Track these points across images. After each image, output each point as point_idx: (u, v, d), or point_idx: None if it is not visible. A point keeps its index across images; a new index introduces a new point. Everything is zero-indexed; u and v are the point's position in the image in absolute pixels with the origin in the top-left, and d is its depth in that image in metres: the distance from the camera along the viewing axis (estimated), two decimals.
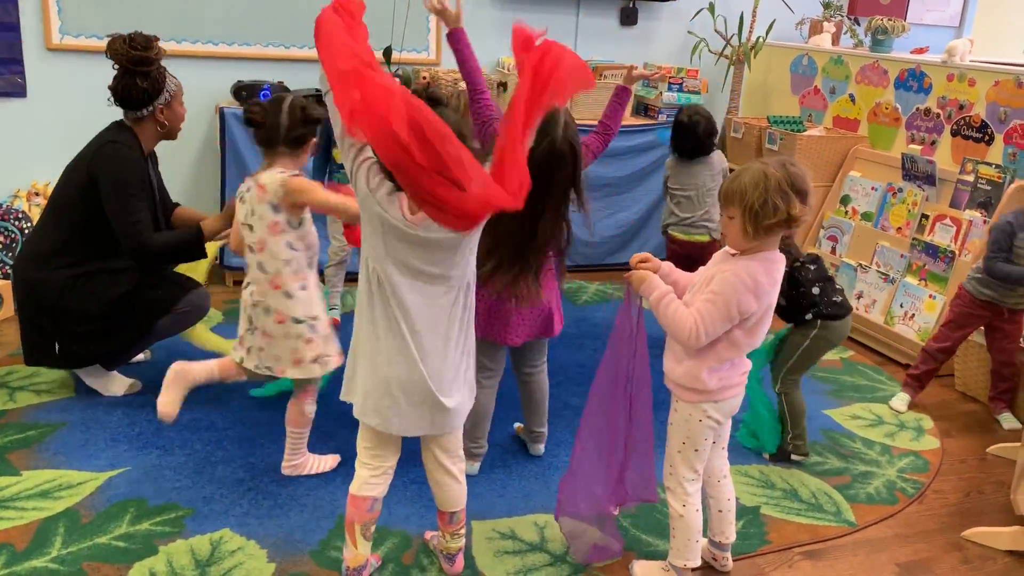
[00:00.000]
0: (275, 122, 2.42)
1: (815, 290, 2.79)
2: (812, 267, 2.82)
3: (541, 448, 2.85)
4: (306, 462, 2.68)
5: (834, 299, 2.80)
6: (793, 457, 2.91)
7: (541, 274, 2.43)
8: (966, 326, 3.31)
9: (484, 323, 2.48)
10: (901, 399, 3.42)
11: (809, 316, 2.81)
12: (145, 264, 2.91)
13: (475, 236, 1.94)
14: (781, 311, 2.81)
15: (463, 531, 2.21)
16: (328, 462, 2.71)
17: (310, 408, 2.61)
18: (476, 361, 2.60)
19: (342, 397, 2.05)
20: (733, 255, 2.05)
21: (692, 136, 3.58)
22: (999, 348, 3.30)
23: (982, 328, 3.35)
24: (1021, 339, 3.32)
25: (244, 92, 4.08)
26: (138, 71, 2.84)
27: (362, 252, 1.95)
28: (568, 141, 2.32)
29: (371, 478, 2.07)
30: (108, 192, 2.83)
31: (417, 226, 1.84)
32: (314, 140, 2.51)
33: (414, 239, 1.86)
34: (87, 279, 2.88)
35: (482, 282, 2.32)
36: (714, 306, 1.99)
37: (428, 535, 2.35)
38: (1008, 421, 3.35)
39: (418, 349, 1.92)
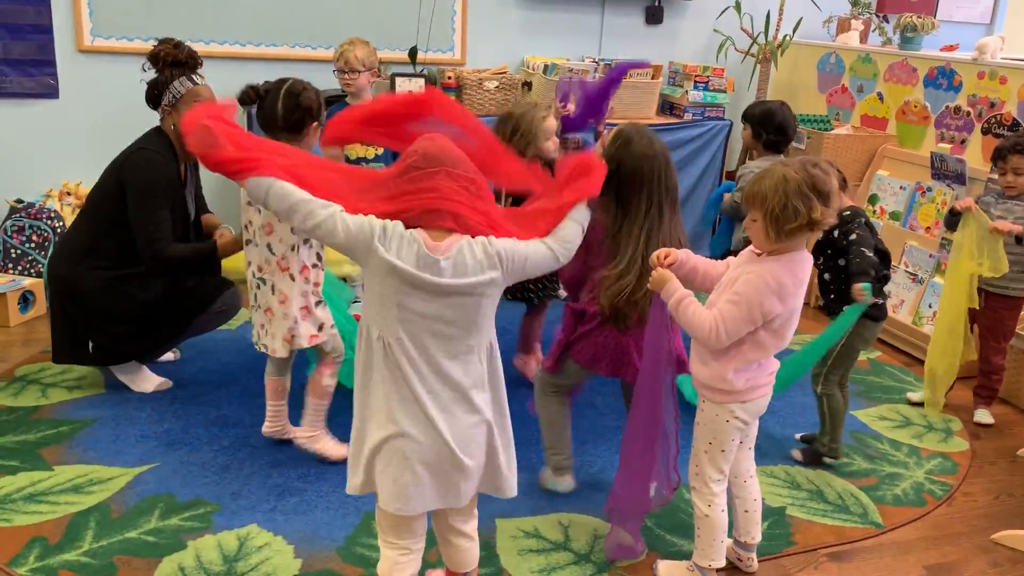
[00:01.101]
0: (272, 107, 2.48)
1: None
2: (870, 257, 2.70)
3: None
4: (318, 439, 2.70)
5: (876, 300, 2.72)
6: (825, 459, 2.89)
7: None
8: None
9: (604, 360, 2.43)
10: (920, 395, 3.42)
11: (846, 309, 2.75)
12: (156, 272, 2.93)
13: (496, 292, 1.81)
14: (824, 286, 2.79)
15: None
16: (340, 451, 2.65)
17: (329, 381, 2.67)
18: (543, 381, 2.58)
19: (349, 491, 1.88)
20: (759, 255, 2.04)
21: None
22: (981, 341, 3.24)
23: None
24: (1005, 343, 3.26)
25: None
26: (155, 70, 2.96)
27: (362, 320, 1.81)
28: (663, 148, 2.37)
29: (400, 558, 1.89)
30: (133, 199, 2.88)
31: (438, 260, 1.72)
32: (315, 124, 2.54)
33: (428, 287, 1.73)
34: (122, 281, 2.92)
35: (616, 309, 2.32)
36: (736, 307, 1.98)
37: None
38: (978, 415, 3.31)
39: (442, 416, 1.77)
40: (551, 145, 3.02)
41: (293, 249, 2.50)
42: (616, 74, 3.28)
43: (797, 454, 2.94)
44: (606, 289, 2.33)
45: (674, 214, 2.39)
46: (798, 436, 3.08)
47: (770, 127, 3.27)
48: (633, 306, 2.32)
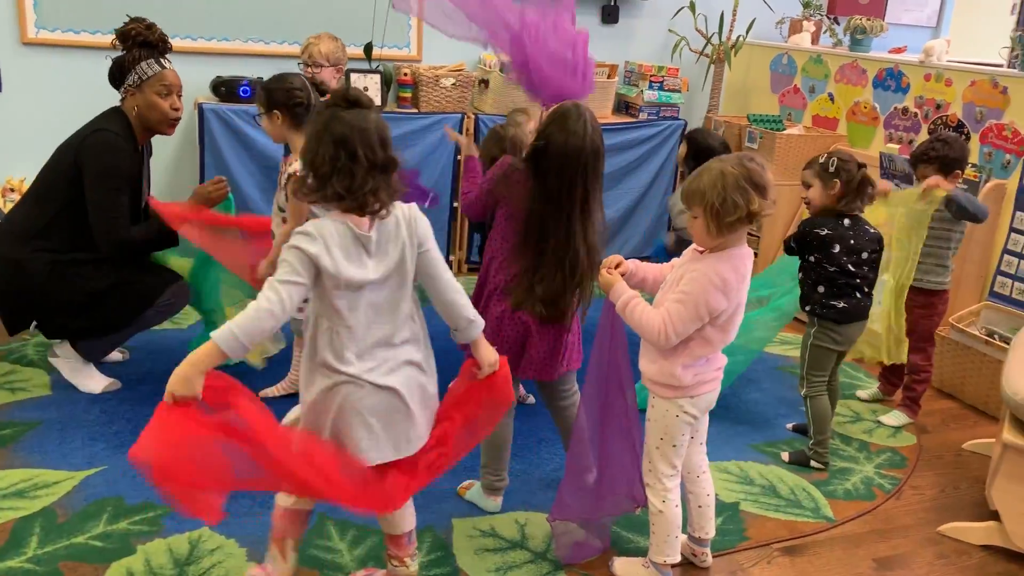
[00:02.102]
0: (311, 101, 2.73)
1: (820, 288, 2.80)
2: (812, 259, 2.80)
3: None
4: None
5: (834, 303, 2.78)
6: (812, 464, 2.90)
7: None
8: None
9: (499, 343, 2.30)
10: (869, 392, 3.50)
11: (807, 309, 2.86)
12: (117, 256, 2.89)
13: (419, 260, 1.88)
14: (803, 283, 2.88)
15: (417, 552, 2.15)
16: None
17: None
18: None
19: None
20: (701, 252, 2.07)
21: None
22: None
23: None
24: (924, 343, 3.22)
25: (223, 88, 4.05)
26: (122, 48, 2.89)
27: (309, 314, 1.85)
28: (599, 134, 2.25)
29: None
30: (90, 182, 2.81)
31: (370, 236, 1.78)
32: None
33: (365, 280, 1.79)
34: (68, 266, 2.85)
35: (520, 301, 2.26)
36: (683, 306, 2.00)
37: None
38: (885, 415, 3.31)
39: (386, 379, 1.83)
40: None
41: None
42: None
43: (785, 456, 2.95)
44: (537, 285, 2.26)
45: (599, 204, 2.29)
46: (789, 426, 3.14)
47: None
48: (560, 308, 2.27)
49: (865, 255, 2.79)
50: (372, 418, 1.83)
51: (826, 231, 2.77)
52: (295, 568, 2.07)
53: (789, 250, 2.90)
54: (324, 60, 3.49)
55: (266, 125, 2.81)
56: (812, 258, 2.81)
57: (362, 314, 1.80)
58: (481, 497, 2.56)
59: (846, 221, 2.78)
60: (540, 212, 2.24)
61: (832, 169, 2.76)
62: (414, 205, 1.88)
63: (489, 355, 1.97)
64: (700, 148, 3.27)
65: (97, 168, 2.81)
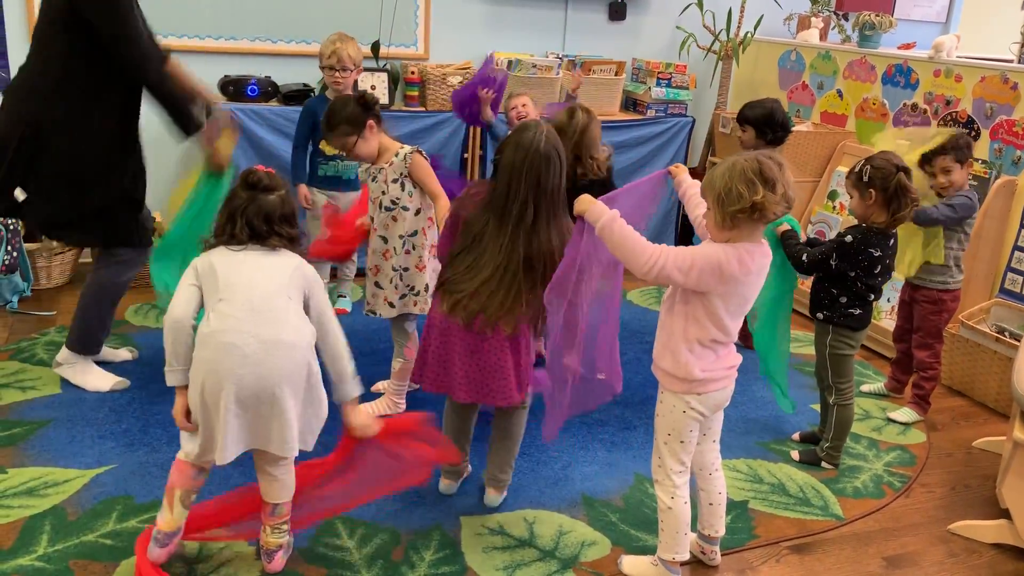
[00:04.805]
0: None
1: (843, 299, 2.74)
2: (852, 275, 2.70)
3: (497, 497, 2.54)
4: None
5: (852, 311, 2.74)
6: (823, 464, 2.90)
7: (526, 298, 2.26)
8: (901, 306, 3.35)
9: (432, 373, 2.35)
10: (873, 386, 3.51)
11: (820, 316, 2.79)
12: (157, 88, 2.75)
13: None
14: (816, 286, 2.81)
15: (286, 526, 2.20)
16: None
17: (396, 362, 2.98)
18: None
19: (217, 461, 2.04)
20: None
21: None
22: (913, 335, 3.29)
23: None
24: (931, 340, 3.21)
25: (231, 87, 4.06)
26: None
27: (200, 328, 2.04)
28: (552, 146, 2.25)
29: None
30: (98, 14, 2.64)
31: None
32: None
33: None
34: (82, 118, 2.74)
35: (454, 296, 2.26)
36: (682, 252, 2.00)
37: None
38: (896, 412, 3.30)
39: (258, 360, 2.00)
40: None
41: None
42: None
43: (795, 455, 2.95)
44: (463, 297, 2.25)
45: (553, 218, 2.28)
46: (795, 437, 3.08)
47: (775, 125, 3.37)
48: (487, 320, 2.25)
49: (891, 268, 2.77)
50: (235, 406, 2.03)
51: (879, 252, 2.67)
52: (180, 521, 2.13)
53: (813, 266, 2.73)
54: (352, 64, 3.49)
55: (364, 148, 2.72)
56: (852, 273, 2.70)
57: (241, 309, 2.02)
58: (440, 479, 2.59)
59: (891, 241, 2.71)
60: (482, 218, 2.28)
61: (865, 178, 2.64)
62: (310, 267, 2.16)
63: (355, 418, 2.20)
64: (763, 118, 3.39)
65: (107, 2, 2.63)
